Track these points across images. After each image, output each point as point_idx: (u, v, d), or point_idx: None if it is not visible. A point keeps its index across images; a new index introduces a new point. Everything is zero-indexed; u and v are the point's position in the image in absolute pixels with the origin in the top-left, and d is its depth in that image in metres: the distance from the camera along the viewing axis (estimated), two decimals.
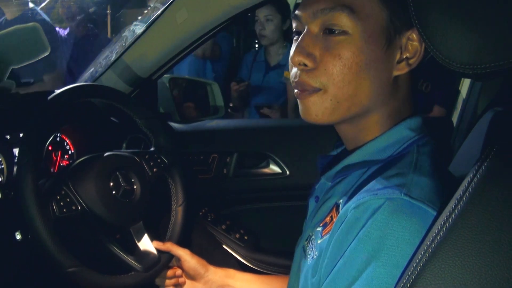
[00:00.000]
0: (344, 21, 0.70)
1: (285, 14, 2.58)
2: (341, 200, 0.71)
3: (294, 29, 0.77)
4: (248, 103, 2.82)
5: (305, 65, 0.72)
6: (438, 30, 0.56)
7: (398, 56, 0.72)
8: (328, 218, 0.73)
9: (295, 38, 0.76)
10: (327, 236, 0.70)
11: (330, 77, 0.71)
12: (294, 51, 0.72)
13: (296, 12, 0.75)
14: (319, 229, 0.74)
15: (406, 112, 0.76)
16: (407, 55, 0.72)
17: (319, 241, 0.73)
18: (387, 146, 0.74)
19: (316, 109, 0.73)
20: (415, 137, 0.74)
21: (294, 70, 0.74)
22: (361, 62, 0.70)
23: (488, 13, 0.53)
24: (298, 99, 0.76)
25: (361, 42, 0.70)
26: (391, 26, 0.71)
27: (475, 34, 0.54)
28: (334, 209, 0.72)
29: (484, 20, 0.53)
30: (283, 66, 2.63)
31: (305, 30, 0.73)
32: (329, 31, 0.71)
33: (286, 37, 2.63)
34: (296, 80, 0.74)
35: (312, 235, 0.76)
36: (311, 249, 0.75)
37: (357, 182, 0.72)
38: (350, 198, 0.69)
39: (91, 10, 2.12)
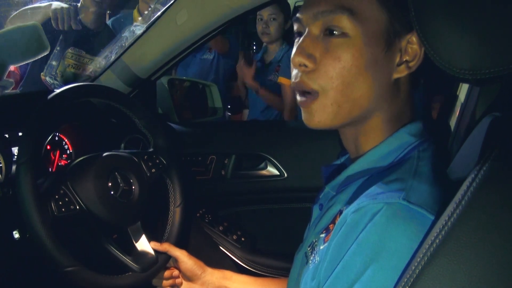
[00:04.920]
0: (344, 23, 0.70)
1: (288, 14, 2.69)
2: (344, 207, 0.71)
3: (296, 31, 0.78)
4: (246, 104, 2.84)
5: (305, 66, 0.72)
6: (438, 35, 0.56)
7: (398, 59, 0.73)
8: (331, 225, 0.73)
9: (296, 40, 0.77)
10: (329, 241, 0.71)
11: (329, 80, 0.71)
12: (295, 52, 0.73)
13: (298, 14, 0.76)
14: (323, 235, 0.74)
15: (406, 116, 0.77)
16: (407, 58, 0.73)
17: (321, 247, 0.73)
18: (388, 153, 0.74)
19: (319, 116, 0.73)
20: (416, 142, 0.74)
21: (295, 71, 0.75)
22: (360, 65, 0.70)
23: (488, 18, 0.53)
24: (301, 107, 0.76)
25: (360, 45, 0.70)
26: (390, 29, 0.71)
27: (475, 40, 0.54)
28: (338, 216, 0.73)
29: (485, 25, 0.53)
30: (275, 63, 2.68)
31: (306, 31, 0.74)
32: (329, 32, 0.72)
33: (285, 37, 2.68)
34: (296, 81, 0.74)
35: (315, 242, 0.76)
36: (313, 255, 0.75)
37: (359, 189, 0.73)
38: (351, 204, 0.69)
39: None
